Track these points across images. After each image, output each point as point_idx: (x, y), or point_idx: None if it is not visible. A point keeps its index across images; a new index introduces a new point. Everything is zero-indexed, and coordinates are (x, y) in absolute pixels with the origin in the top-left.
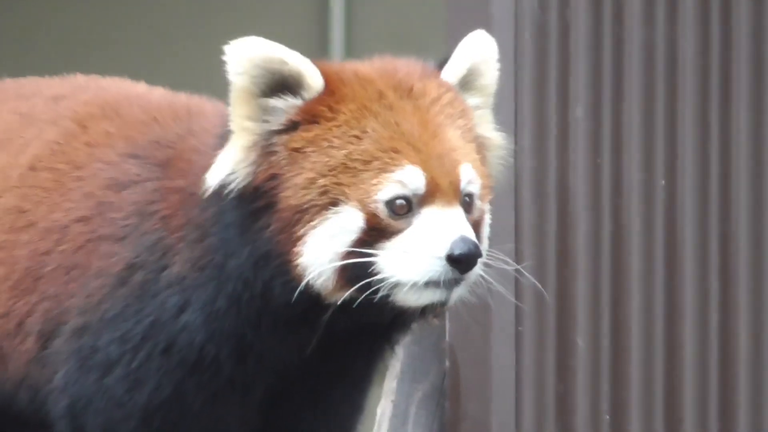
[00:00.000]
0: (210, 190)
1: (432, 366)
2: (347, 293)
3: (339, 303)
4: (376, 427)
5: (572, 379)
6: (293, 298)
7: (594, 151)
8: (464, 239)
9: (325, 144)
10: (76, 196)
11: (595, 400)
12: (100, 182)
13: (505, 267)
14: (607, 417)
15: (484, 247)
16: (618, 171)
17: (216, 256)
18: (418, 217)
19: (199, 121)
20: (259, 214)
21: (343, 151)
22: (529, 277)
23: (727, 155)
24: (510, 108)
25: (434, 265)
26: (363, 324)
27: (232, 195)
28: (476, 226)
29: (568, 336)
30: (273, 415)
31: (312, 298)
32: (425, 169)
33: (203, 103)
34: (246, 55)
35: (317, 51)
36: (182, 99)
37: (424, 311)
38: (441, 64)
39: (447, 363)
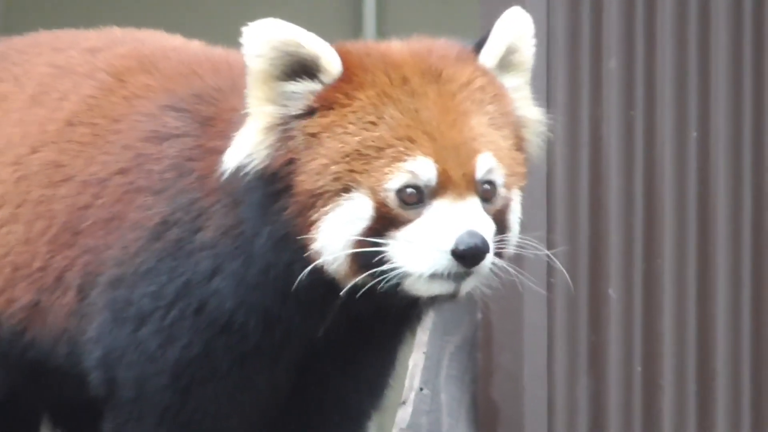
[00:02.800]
0: (227, 173)
1: (464, 318)
2: (359, 279)
3: (353, 288)
4: (408, 379)
5: (604, 331)
6: (312, 281)
7: (627, 103)
8: (471, 234)
9: (340, 130)
10: (115, 149)
11: (628, 351)
12: (139, 134)
13: (537, 253)
14: (639, 368)
15: (513, 233)
16: (651, 123)
17: (245, 229)
18: (428, 208)
19: (242, 77)
20: (277, 197)
21: (358, 138)
22: (560, 267)
23: (760, 106)
24: (542, 61)
25: (439, 259)
26: (383, 307)
27: (248, 177)
28: (500, 214)
29: (600, 287)
30: (303, 378)
31: (328, 282)
32: (438, 159)
33: (241, 57)
34: (263, 37)
35: (350, 32)
36: (220, 52)
37: (437, 300)
38: (479, 45)
39: (479, 315)
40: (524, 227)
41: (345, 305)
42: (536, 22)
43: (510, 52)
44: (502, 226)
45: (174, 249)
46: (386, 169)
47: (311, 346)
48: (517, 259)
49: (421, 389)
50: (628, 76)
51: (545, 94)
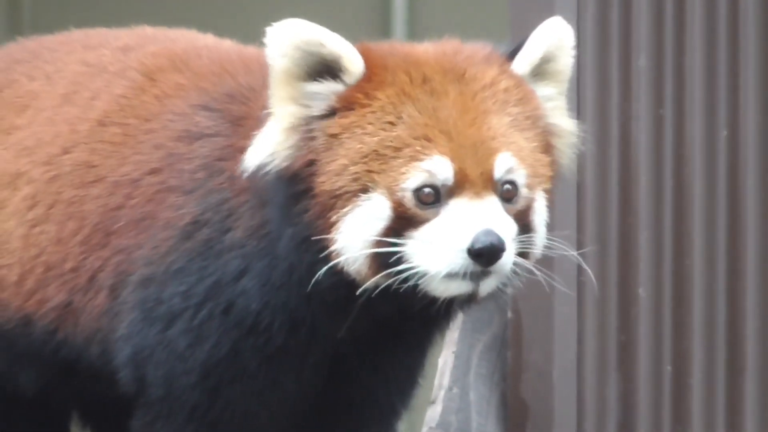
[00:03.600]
0: (248, 172)
1: (494, 316)
2: (378, 279)
3: (372, 288)
4: (438, 377)
5: (634, 330)
6: (333, 282)
7: (657, 101)
8: (488, 232)
9: (360, 131)
10: (146, 149)
11: (657, 350)
12: (171, 133)
13: (564, 253)
14: (669, 368)
15: (539, 234)
16: (680, 121)
17: (272, 230)
18: (445, 207)
19: None
20: (299, 198)
21: (376, 138)
22: (586, 267)
23: None
24: (573, 59)
25: (456, 258)
26: (405, 308)
27: (269, 177)
28: (522, 215)
29: (630, 286)
30: (333, 377)
31: (349, 283)
32: (455, 159)
33: None
34: (286, 37)
35: (379, 34)
36: (252, 51)
37: (457, 301)
38: (514, 51)
39: (509, 313)
40: (553, 226)
41: (367, 306)
42: (565, 18)
43: (546, 60)
44: (525, 227)
45: (204, 249)
46: (403, 169)
47: (340, 346)
48: (546, 258)
49: (451, 388)
50: (657, 74)
51: (575, 92)
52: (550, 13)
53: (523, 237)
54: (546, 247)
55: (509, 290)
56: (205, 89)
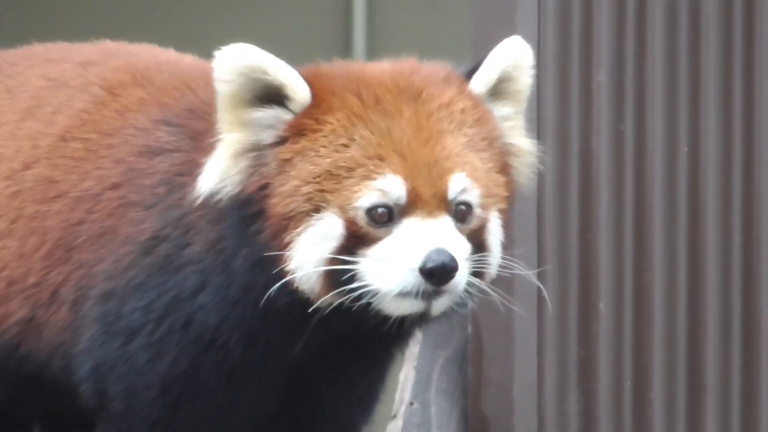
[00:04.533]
0: (201, 198)
1: (454, 332)
2: (331, 297)
3: (326, 306)
4: (398, 392)
5: (594, 345)
6: (288, 300)
7: (617, 117)
8: (440, 251)
9: (312, 153)
10: (107, 163)
11: (618, 365)
12: (132, 148)
13: (520, 272)
14: (629, 383)
15: (493, 254)
16: (641, 137)
17: (228, 245)
18: (398, 226)
19: None
20: (252, 220)
21: (329, 159)
22: (542, 288)
23: (750, 122)
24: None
25: (408, 276)
26: (360, 326)
27: (222, 202)
28: (476, 235)
29: (590, 301)
30: (293, 392)
31: (305, 301)
32: (408, 177)
33: None
34: (231, 63)
35: (339, 50)
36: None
37: (409, 320)
38: (472, 71)
39: (469, 329)
40: (513, 241)
41: (321, 323)
42: (526, 35)
43: (503, 80)
44: (479, 247)
45: (164, 264)
46: (356, 188)
47: (299, 362)
48: (506, 274)
49: (412, 403)
50: (618, 90)
51: (536, 107)
52: (511, 27)
53: (476, 256)
54: (501, 266)
55: (463, 309)
56: (167, 104)
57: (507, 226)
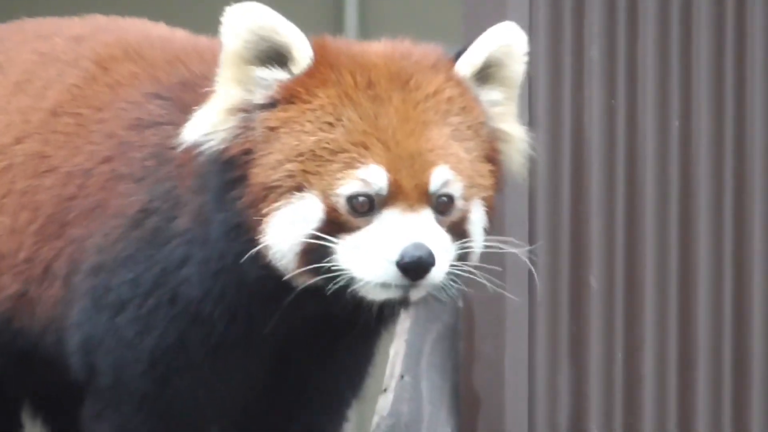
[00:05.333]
0: (183, 146)
1: (446, 306)
2: (307, 278)
3: (302, 287)
4: (389, 367)
5: (586, 320)
6: (261, 275)
7: (609, 92)
8: (417, 246)
9: (298, 127)
10: (99, 138)
11: (609, 341)
12: (123, 122)
13: (509, 251)
14: (621, 358)
15: (476, 242)
16: (632, 112)
17: (208, 213)
18: (378, 217)
19: None
20: (233, 184)
21: (313, 138)
22: (531, 267)
23: (741, 95)
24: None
25: (384, 269)
26: (337, 308)
27: (203, 158)
28: (457, 226)
29: (581, 276)
30: (281, 367)
31: (278, 278)
32: (390, 169)
33: None
34: (242, 19)
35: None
36: (205, 41)
37: (388, 305)
38: (462, 51)
39: (460, 303)
40: (504, 215)
41: (298, 302)
42: (518, 10)
43: (491, 65)
44: (460, 235)
45: (152, 237)
46: (338, 174)
47: (284, 338)
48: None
49: (402, 377)
50: (610, 65)
51: (527, 84)
52: (503, 2)
53: (457, 244)
54: (490, 248)
55: (445, 296)
56: (158, 78)
57: (492, 211)
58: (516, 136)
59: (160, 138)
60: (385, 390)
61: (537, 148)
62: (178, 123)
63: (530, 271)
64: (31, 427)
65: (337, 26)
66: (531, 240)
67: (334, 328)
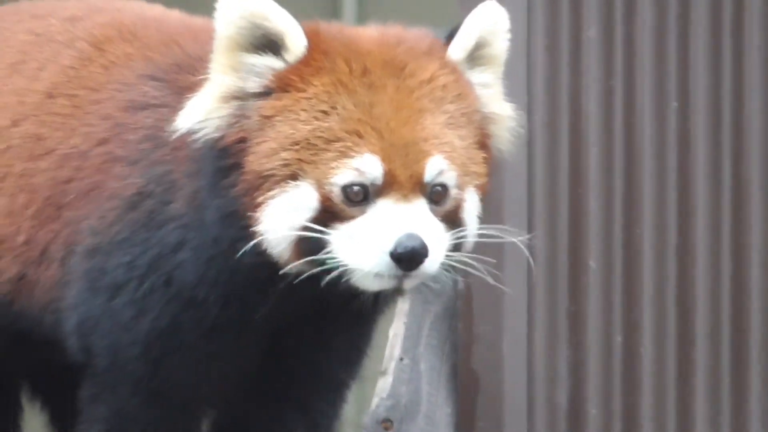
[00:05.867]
0: (177, 133)
1: (445, 287)
2: (301, 266)
3: (297, 274)
4: (388, 348)
5: (584, 301)
6: (256, 261)
7: (606, 72)
8: (411, 237)
9: (293, 116)
10: (94, 120)
11: (608, 321)
12: (118, 103)
13: (502, 240)
14: (619, 338)
15: (470, 229)
16: (630, 93)
17: (203, 198)
18: (372, 206)
19: None
20: (228, 172)
21: (308, 126)
22: (528, 254)
23: (739, 76)
24: (522, 30)
25: (378, 259)
26: (332, 296)
27: (197, 144)
28: (451, 214)
29: (580, 256)
30: (277, 349)
31: (272, 265)
32: (385, 159)
33: None
34: (235, 5)
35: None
36: (201, 21)
37: (382, 294)
38: (451, 36)
39: (459, 284)
40: (503, 196)
41: (292, 289)
42: None
43: (480, 46)
44: (454, 224)
45: (147, 220)
46: (333, 164)
47: (278, 321)
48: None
49: (401, 359)
50: (607, 45)
51: (525, 63)
52: None
53: (452, 233)
54: (482, 235)
55: (437, 286)
56: (153, 59)
57: (485, 197)
58: (504, 115)
59: (155, 120)
60: (384, 372)
61: (535, 129)
62: (173, 105)
63: (529, 252)
64: (30, 408)
65: (335, 11)
66: (530, 221)
67: (330, 312)
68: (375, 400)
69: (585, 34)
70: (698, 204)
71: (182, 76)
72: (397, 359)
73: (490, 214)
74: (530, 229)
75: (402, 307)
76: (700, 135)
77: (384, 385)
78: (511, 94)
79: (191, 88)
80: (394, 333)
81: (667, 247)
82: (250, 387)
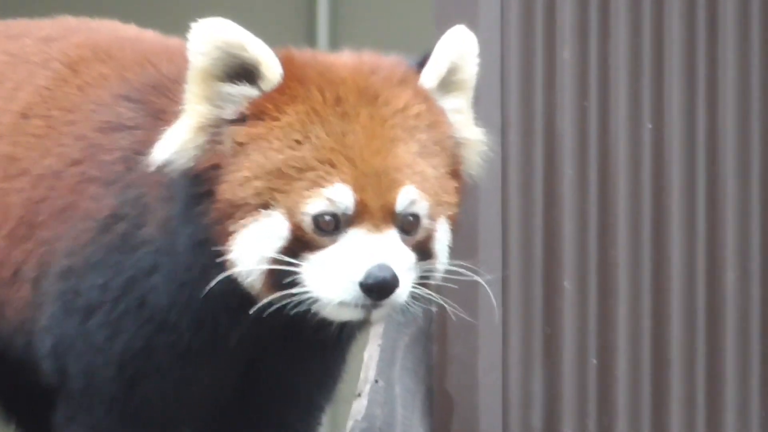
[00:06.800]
0: (154, 167)
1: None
2: (271, 297)
3: (268, 305)
4: (363, 371)
5: (559, 322)
6: (226, 290)
7: (581, 93)
8: (382, 267)
9: (266, 144)
10: (69, 140)
11: (583, 343)
12: (93, 124)
13: (468, 279)
14: (594, 360)
15: (440, 261)
16: (605, 114)
17: (175, 225)
18: (343, 236)
19: None
20: (200, 199)
21: (281, 156)
22: (487, 289)
23: (713, 98)
24: (496, 51)
25: (348, 289)
26: (301, 326)
27: (173, 174)
28: (422, 245)
29: (555, 278)
30: (252, 372)
31: (244, 294)
32: (357, 188)
33: None
34: (208, 36)
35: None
36: (176, 42)
37: (349, 325)
38: (422, 62)
39: (434, 307)
40: (477, 217)
41: (263, 316)
42: (490, 11)
43: (452, 72)
44: (425, 255)
45: (120, 243)
46: (305, 193)
47: (252, 346)
48: (471, 251)
49: (376, 381)
50: (581, 66)
51: (499, 84)
52: (474, 5)
53: (422, 265)
54: (448, 273)
55: (405, 316)
56: (128, 79)
57: (456, 229)
58: (475, 139)
59: (129, 142)
60: (359, 394)
61: (509, 149)
62: (148, 128)
63: (504, 274)
64: (5, 430)
65: (309, 35)
66: (504, 242)
67: (304, 337)
68: (350, 423)
69: (559, 54)
70: (673, 226)
71: (157, 98)
72: (371, 382)
73: (463, 234)
74: (504, 249)
75: (377, 329)
76: (674, 157)
77: (359, 407)
78: (484, 116)
79: (166, 110)
80: (369, 355)
81: (642, 269)
82: (226, 408)
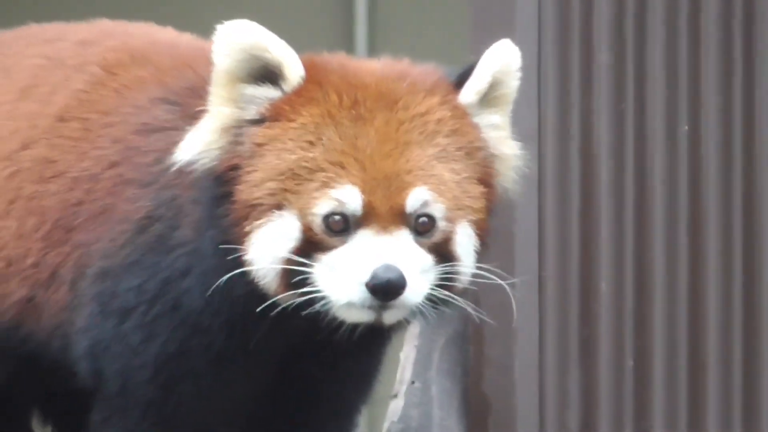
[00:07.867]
0: (176, 166)
1: (456, 311)
2: (289, 298)
3: (286, 305)
4: (399, 372)
5: (596, 324)
6: (247, 291)
7: (618, 96)
8: (388, 268)
9: (280, 146)
10: (106, 143)
11: (619, 345)
12: (130, 127)
13: (495, 281)
14: (631, 362)
15: (466, 264)
16: (641, 117)
17: (201, 228)
18: (353, 237)
19: None
20: (221, 201)
21: (293, 157)
22: (510, 292)
23: (750, 100)
24: (533, 53)
25: (355, 290)
26: (317, 327)
27: (195, 175)
28: (440, 247)
29: (591, 280)
30: (287, 375)
31: (263, 296)
32: (365, 190)
33: None
34: (233, 39)
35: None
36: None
37: (362, 327)
38: (463, 75)
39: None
40: (514, 222)
41: (284, 318)
42: (527, 15)
43: (494, 87)
44: (445, 258)
45: (157, 244)
46: (315, 194)
47: (286, 348)
48: (508, 253)
49: (413, 382)
50: (619, 69)
51: (536, 88)
52: (511, 9)
53: (442, 267)
54: (475, 276)
55: (427, 320)
56: (166, 83)
57: (484, 234)
58: (512, 154)
59: (165, 144)
60: (395, 395)
61: (546, 152)
62: (183, 129)
63: (540, 275)
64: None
65: (347, 38)
66: (540, 245)
67: (336, 340)
68: (386, 424)
69: (597, 58)
70: (709, 228)
71: (195, 100)
72: (408, 383)
73: (500, 236)
74: (541, 251)
75: (413, 330)
76: (711, 159)
77: (395, 408)
78: (521, 121)
79: (201, 112)
80: (405, 356)
81: (679, 271)
82: (261, 411)
